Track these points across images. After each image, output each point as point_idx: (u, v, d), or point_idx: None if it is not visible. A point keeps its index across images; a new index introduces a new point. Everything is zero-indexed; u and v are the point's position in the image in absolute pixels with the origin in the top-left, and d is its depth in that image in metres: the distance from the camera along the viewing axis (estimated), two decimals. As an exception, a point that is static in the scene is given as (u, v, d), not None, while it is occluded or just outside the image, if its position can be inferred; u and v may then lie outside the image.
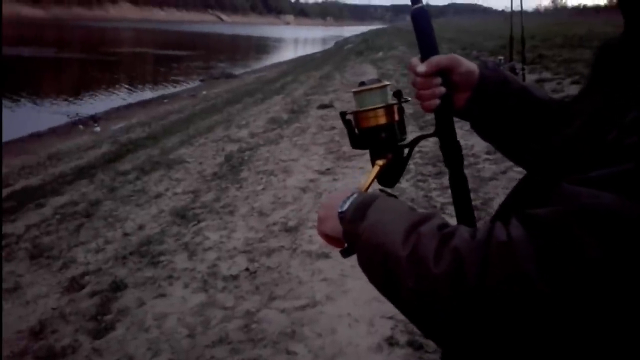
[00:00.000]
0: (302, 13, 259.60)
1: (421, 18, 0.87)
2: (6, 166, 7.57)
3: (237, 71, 23.41)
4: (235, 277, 3.00)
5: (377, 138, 0.87)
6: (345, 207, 0.71)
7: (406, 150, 0.90)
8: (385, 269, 0.61)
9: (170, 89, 17.88)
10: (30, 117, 12.27)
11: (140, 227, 4.21)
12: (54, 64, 23.39)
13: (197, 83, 19.44)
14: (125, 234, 4.11)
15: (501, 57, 4.64)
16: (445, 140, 0.87)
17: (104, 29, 54.52)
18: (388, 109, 0.87)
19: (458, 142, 0.87)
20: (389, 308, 2.57)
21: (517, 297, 0.50)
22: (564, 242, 0.50)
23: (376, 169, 0.86)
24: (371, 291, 2.66)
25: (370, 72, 14.04)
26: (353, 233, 0.68)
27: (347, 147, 5.90)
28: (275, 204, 4.21)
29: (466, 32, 30.53)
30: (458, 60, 0.86)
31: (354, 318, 2.44)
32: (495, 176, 4.23)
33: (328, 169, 5.03)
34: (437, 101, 0.84)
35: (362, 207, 0.69)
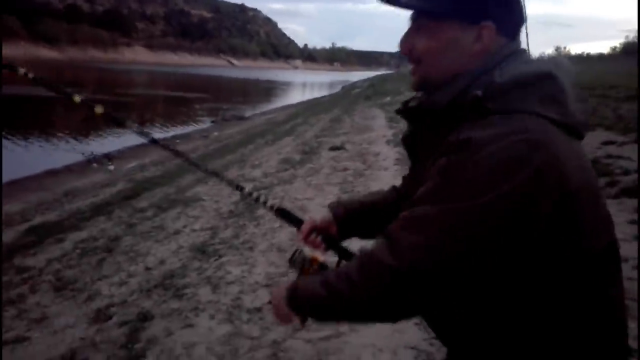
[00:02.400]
0: (310, 58, 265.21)
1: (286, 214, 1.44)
2: (23, 202, 7.74)
3: (248, 113, 23.87)
4: (259, 310, 3.10)
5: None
6: (287, 299, 1.13)
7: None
8: (324, 309, 1.07)
9: (182, 130, 18.20)
10: (45, 154, 12.54)
11: (162, 262, 4.32)
12: (69, 104, 23.91)
13: (208, 124, 19.80)
14: (147, 268, 4.21)
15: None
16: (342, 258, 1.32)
17: (118, 71, 55.91)
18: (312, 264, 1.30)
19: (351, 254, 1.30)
20: (411, 339, 2.67)
21: (381, 271, 0.93)
22: (392, 236, 0.95)
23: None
24: (393, 324, 2.75)
25: (379, 116, 14.36)
26: (302, 310, 1.13)
27: (361, 187, 6.06)
28: (294, 240, 4.33)
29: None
30: (314, 219, 1.38)
31: (377, 348, 2.53)
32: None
33: (344, 208, 5.16)
34: (323, 245, 1.35)
35: (292, 290, 1.13)
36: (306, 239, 1.37)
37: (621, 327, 0.98)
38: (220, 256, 4.17)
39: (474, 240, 0.86)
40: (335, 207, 1.40)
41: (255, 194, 1.45)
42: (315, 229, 1.37)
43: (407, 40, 1.04)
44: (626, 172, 5.99)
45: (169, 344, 2.81)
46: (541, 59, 1.00)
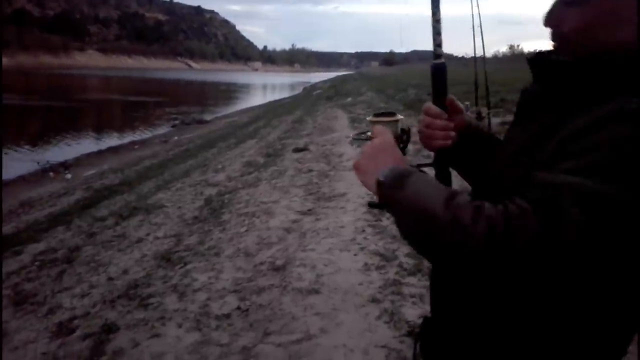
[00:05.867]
0: (270, 60, 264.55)
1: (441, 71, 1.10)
2: (-25, 215, 7.42)
3: (208, 116, 23.60)
4: (227, 316, 3.06)
5: None
6: (385, 176, 0.87)
7: None
8: (425, 228, 0.80)
9: (140, 135, 17.87)
10: (-3, 164, 12.04)
11: (125, 271, 4.22)
12: (21, 111, 23.11)
13: (168, 129, 19.49)
14: (110, 279, 4.11)
15: (467, 103, 4.93)
16: (439, 170, 1.07)
17: (71, 76, 54.35)
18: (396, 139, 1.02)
19: (449, 171, 1.08)
20: (382, 338, 2.70)
21: (531, 244, 0.73)
22: (555, 211, 0.73)
23: None
24: (363, 323, 2.79)
25: (341, 117, 14.43)
26: (392, 198, 0.86)
27: (326, 188, 6.07)
28: (261, 244, 4.31)
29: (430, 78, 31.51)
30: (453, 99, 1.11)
31: (349, 348, 2.54)
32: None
33: (310, 210, 5.17)
34: (448, 141, 1.06)
35: (400, 177, 0.86)
36: (434, 115, 1.07)
37: None
38: (185, 263, 4.11)
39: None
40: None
41: None
42: (451, 108, 1.09)
43: (553, 13, 0.92)
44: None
45: (135, 355, 2.75)
46: None
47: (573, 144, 0.79)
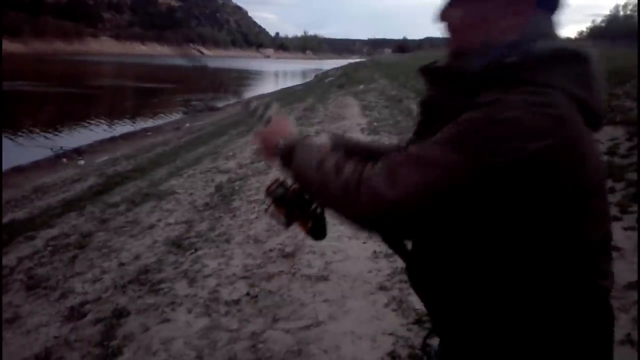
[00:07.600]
0: (282, 47, 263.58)
1: None
2: (-10, 200, 7.51)
3: (220, 103, 23.57)
4: (237, 302, 3.08)
5: (297, 216, 1.23)
6: (280, 147, 1.14)
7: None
8: (307, 182, 1.06)
9: (153, 122, 17.92)
10: (11, 150, 12.16)
11: (136, 257, 4.26)
12: (34, 98, 23.30)
13: (180, 115, 19.52)
14: (122, 264, 4.15)
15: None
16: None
17: (84, 63, 54.64)
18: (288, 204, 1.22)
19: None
20: (389, 325, 2.70)
21: (373, 198, 0.90)
22: (392, 168, 0.91)
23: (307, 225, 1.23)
24: (371, 310, 2.78)
25: (353, 104, 14.36)
26: (286, 164, 1.12)
27: (336, 176, 6.06)
28: (270, 231, 4.32)
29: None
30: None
31: (357, 335, 2.54)
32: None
33: (319, 197, 5.16)
34: None
35: (289, 150, 1.11)
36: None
37: (610, 319, 0.97)
38: (196, 249, 4.14)
39: (478, 195, 0.84)
40: (334, 137, 1.35)
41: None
42: None
43: (444, 11, 1.05)
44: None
45: (145, 339, 2.78)
46: (579, 42, 0.99)
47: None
